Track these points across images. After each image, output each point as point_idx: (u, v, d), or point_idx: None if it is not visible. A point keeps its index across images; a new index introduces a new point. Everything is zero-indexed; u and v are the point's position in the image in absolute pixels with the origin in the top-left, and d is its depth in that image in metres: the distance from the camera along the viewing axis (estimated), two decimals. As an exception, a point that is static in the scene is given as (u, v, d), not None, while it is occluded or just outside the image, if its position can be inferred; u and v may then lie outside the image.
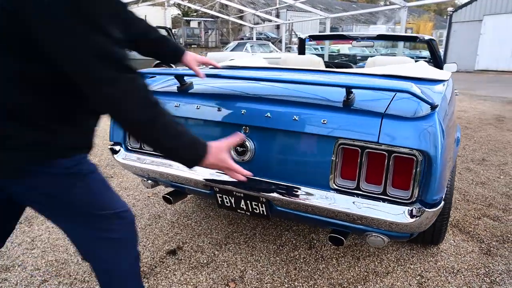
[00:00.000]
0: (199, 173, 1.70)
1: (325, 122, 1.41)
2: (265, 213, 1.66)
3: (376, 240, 1.45)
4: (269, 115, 1.51)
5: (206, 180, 1.68)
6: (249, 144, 1.59)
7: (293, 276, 1.85)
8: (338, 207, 1.41)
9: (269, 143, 1.58)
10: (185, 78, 1.82)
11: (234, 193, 1.68)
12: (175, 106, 1.74)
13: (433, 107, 1.34)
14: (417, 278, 1.85)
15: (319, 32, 28.33)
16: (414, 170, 1.32)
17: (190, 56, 1.55)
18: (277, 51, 15.09)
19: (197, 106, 1.68)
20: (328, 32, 12.40)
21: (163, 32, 20.48)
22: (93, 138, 1.03)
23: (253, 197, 1.63)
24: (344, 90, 1.43)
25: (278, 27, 27.73)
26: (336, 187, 1.46)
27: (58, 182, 0.94)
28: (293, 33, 27.20)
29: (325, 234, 2.24)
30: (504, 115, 6.48)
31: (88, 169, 1.01)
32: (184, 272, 1.89)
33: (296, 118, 1.46)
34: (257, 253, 2.05)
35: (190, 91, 1.80)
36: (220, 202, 1.76)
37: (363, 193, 1.42)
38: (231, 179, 1.64)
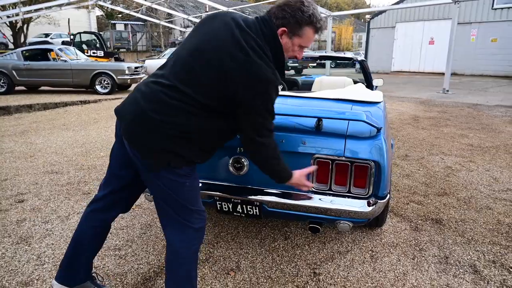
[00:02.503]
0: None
1: (305, 143, 1.93)
2: (257, 214, 2.13)
3: (344, 226, 1.99)
4: None
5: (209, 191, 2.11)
6: (244, 161, 2.04)
7: (278, 261, 2.35)
8: (319, 204, 1.93)
9: (260, 159, 2.05)
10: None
11: (232, 199, 2.12)
12: None
13: (379, 129, 1.92)
14: (369, 253, 2.45)
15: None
16: (368, 174, 1.88)
17: None
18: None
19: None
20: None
21: (92, 37, 19.36)
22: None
23: (249, 201, 2.09)
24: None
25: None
26: (314, 190, 1.99)
27: (179, 178, 1.50)
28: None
29: (296, 227, 2.77)
30: (418, 115, 7.66)
31: (194, 174, 1.57)
32: (189, 268, 2.27)
33: (283, 141, 1.95)
34: (245, 247, 2.50)
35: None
36: (219, 208, 2.19)
37: (334, 192, 1.96)
38: (231, 190, 2.09)
